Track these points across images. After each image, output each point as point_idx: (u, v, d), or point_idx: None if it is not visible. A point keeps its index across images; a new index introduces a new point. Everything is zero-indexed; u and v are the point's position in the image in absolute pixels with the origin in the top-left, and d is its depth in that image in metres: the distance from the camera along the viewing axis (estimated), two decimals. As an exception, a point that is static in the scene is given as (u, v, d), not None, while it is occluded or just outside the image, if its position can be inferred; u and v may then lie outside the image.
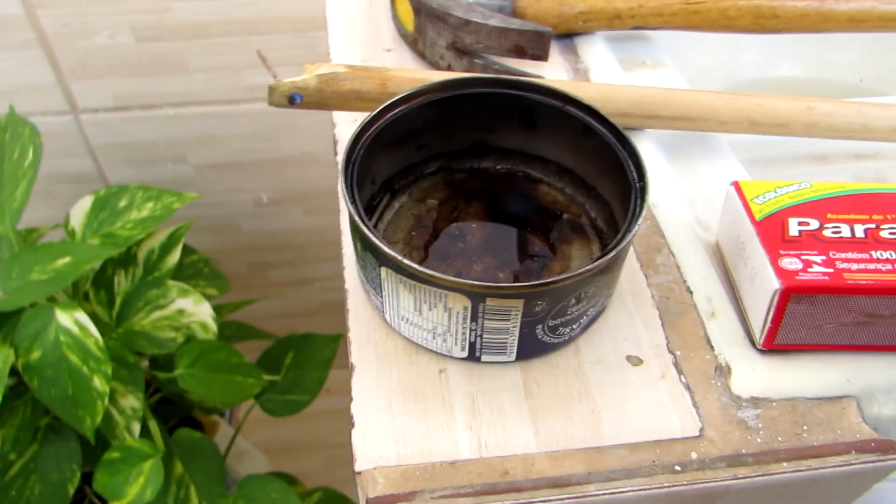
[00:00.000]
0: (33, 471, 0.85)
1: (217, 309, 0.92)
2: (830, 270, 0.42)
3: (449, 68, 0.63)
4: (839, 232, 0.44)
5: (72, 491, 0.86)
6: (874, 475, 0.43)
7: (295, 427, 1.41)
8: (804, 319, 0.43)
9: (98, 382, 0.75)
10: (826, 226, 0.45)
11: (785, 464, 0.41)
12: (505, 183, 0.53)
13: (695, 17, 0.65)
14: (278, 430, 1.38)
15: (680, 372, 0.44)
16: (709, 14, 0.65)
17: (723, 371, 0.44)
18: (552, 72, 0.65)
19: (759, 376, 0.44)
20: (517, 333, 0.42)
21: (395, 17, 0.68)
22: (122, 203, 0.91)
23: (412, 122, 0.49)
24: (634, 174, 0.45)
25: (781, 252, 0.43)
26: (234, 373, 0.90)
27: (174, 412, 1.09)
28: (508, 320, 0.41)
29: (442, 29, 0.62)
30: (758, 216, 0.46)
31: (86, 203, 0.91)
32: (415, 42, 0.65)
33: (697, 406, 0.43)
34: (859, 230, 0.44)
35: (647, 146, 0.57)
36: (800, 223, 0.45)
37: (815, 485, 0.42)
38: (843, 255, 0.43)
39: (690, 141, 0.60)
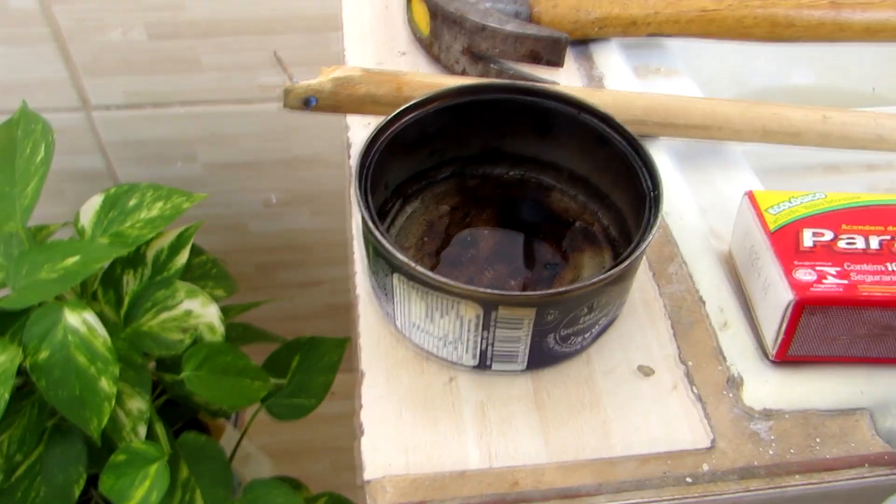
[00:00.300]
0: (39, 472, 0.85)
1: (224, 310, 0.92)
2: (845, 282, 0.42)
3: (464, 73, 0.63)
4: (854, 244, 0.44)
5: (77, 493, 0.86)
6: (887, 489, 0.43)
7: (300, 431, 1.40)
8: (818, 332, 0.42)
9: (105, 384, 0.75)
10: (841, 237, 0.44)
11: (797, 477, 0.41)
12: (517, 189, 0.53)
13: (710, 25, 0.65)
14: (284, 433, 1.37)
15: (691, 383, 0.44)
16: (725, 22, 0.64)
17: (735, 382, 0.44)
18: (567, 78, 0.64)
19: (772, 388, 0.44)
20: (528, 342, 0.41)
21: (411, 21, 0.68)
22: (132, 202, 0.90)
23: (426, 128, 0.49)
24: (649, 183, 0.45)
25: (795, 263, 0.43)
26: (240, 376, 0.90)
27: (180, 415, 1.09)
28: (520, 329, 0.40)
29: (458, 33, 0.61)
30: (772, 227, 0.45)
31: (95, 201, 0.90)
32: (430, 46, 0.65)
33: (709, 418, 0.42)
34: (874, 242, 0.44)
35: (660, 155, 0.57)
36: (814, 234, 0.45)
37: (827, 498, 0.42)
38: (857, 267, 0.42)
39: (703, 149, 0.60)
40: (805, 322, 0.42)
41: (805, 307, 0.41)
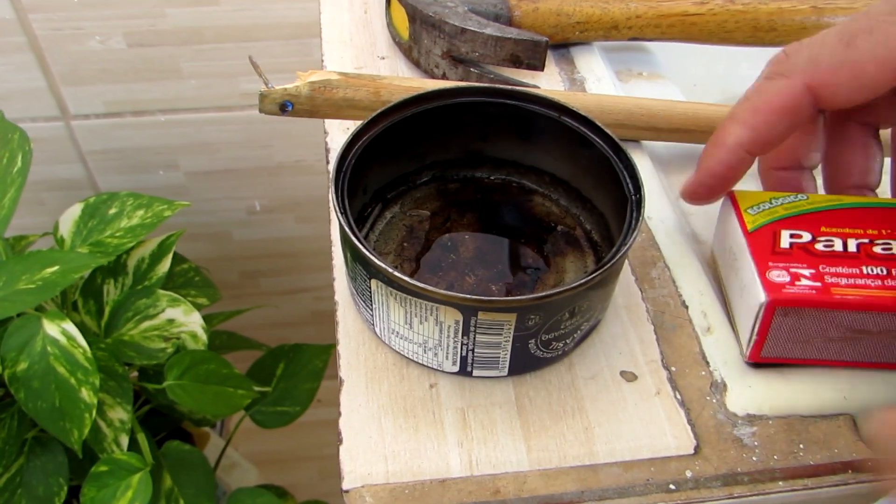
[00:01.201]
0: (20, 485, 0.84)
1: (207, 318, 0.92)
2: (818, 284, 0.41)
3: (444, 77, 0.63)
4: (832, 246, 0.44)
5: (59, 504, 0.85)
6: (871, 495, 0.42)
7: (286, 438, 1.40)
8: (790, 333, 0.42)
9: (86, 394, 0.75)
10: (819, 239, 0.44)
11: (781, 483, 0.40)
12: (499, 193, 0.53)
13: (692, 28, 0.64)
14: (269, 441, 1.37)
15: (675, 388, 0.44)
16: (706, 26, 0.64)
17: (718, 387, 0.44)
18: (548, 82, 0.64)
19: (756, 393, 0.43)
20: (509, 348, 0.41)
21: (390, 25, 0.67)
22: (112, 211, 0.90)
23: (405, 132, 0.48)
24: (630, 186, 0.44)
25: (770, 264, 0.42)
26: (224, 384, 0.89)
27: (163, 424, 1.09)
28: (501, 334, 0.40)
29: (437, 37, 0.61)
30: (750, 227, 0.45)
31: (75, 211, 0.90)
32: (409, 50, 0.65)
33: (693, 423, 0.42)
34: (852, 244, 0.44)
35: (643, 158, 0.57)
36: (792, 235, 0.44)
37: (811, 504, 0.42)
38: (832, 270, 0.42)
39: (687, 153, 0.60)
40: (777, 323, 0.41)
41: (777, 308, 0.41)
